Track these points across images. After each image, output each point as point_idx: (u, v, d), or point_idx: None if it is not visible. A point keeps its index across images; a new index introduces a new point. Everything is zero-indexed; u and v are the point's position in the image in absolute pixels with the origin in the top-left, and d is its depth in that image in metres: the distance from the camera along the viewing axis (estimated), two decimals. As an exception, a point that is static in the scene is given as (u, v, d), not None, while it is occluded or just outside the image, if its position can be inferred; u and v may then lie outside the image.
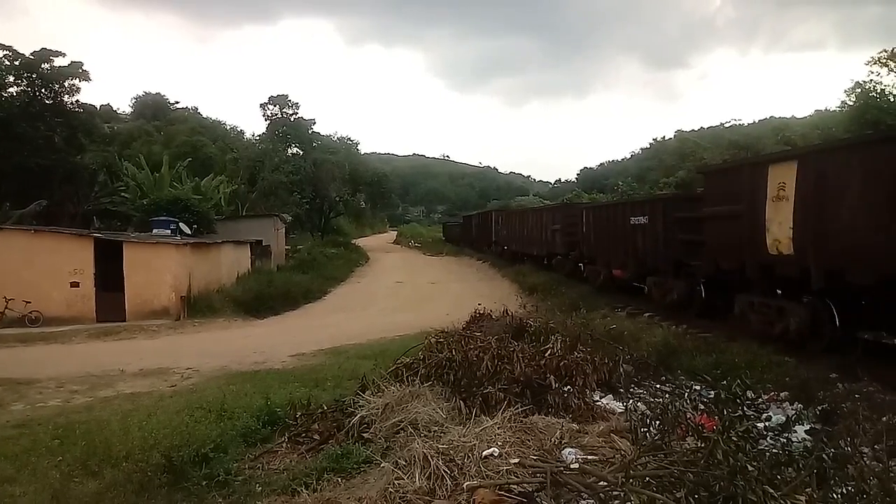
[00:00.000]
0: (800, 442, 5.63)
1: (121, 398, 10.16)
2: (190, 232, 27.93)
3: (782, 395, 8.22)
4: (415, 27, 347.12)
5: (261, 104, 55.01)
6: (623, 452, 4.71)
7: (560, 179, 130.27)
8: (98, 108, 46.28)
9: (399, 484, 4.58)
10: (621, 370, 8.05)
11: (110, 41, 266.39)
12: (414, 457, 4.81)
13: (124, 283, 20.65)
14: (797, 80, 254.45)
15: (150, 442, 6.55)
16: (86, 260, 20.55)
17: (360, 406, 6.51)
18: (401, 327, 16.18)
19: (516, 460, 4.69)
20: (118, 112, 66.99)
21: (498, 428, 5.27)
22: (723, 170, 13.81)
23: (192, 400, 9.07)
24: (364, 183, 57.57)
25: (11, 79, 31.99)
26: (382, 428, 5.91)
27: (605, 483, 4.09)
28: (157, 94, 73.84)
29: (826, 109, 47.27)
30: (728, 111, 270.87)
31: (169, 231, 26.02)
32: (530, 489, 4.29)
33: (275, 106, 54.56)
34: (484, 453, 4.78)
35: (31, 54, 31.90)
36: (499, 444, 4.95)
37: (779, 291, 11.14)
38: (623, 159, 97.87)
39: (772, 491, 3.52)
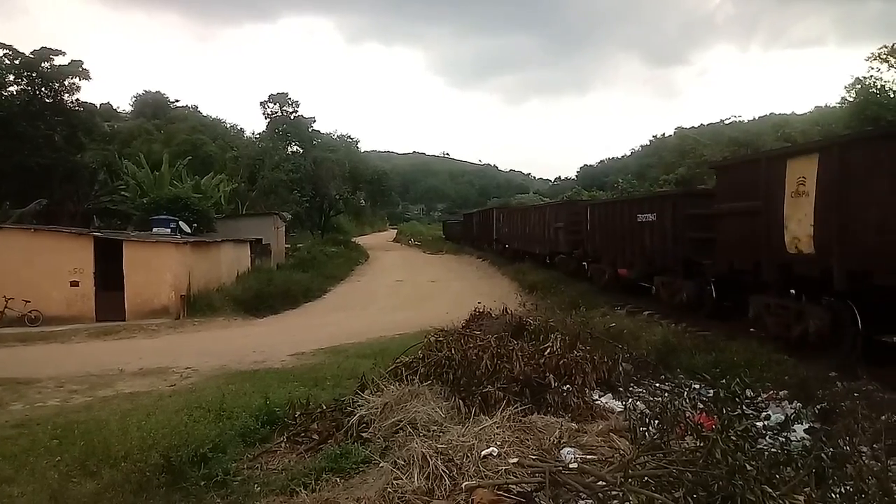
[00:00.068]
0: (798, 441, 5.62)
1: (120, 398, 10.16)
2: (190, 231, 27.93)
3: (781, 393, 8.22)
4: (414, 25, 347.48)
5: (261, 102, 55.25)
6: (622, 452, 4.71)
7: (560, 177, 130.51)
8: (98, 106, 46.30)
9: (398, 484, 4.57)
10: (620, 369, 8.03)
11: (110, 40, 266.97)
12: (413, 456, 4.80)
13: (124, 282, 20.65)
14: (797, 77, 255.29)
15: (149, 442, 6.54)
16: (85, 259, 20.54)
17: (359, 405, 6.50)
18: (400, 326, 16.17)
19: (515, 460, 4.69)
20: (118, 111, 66.95)
21: (497, 427, 5.26)
22: (737, 164, 13.12)
23: (191, 399, 9.07)
24: (364, 181, 57.64)
25: (11, 77, 31.99)
26: (381, 427, 5.91)
27: (604, 483, 4.09)
28: (157, 92, 73.91)
29: (826, 106, 47.25)
30: (728, 108, 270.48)
31: (169, 230, 26.04)
32: (529, 489, 4.29)
33: (275, 104, 54.63)
34: (483, 453, 4.78)
35: (31, 53, 31.91)
36: (498, 443, 4.95)
37: (792, 292, 10.66)
38: (623, 156, 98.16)
39: (770, 490, 3.51)
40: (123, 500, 5.56)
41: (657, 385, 8.48)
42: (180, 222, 27.65)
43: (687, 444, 4.38)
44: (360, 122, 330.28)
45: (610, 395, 7.34)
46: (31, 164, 29.87)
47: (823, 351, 9.57)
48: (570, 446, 4.96)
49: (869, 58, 30.69)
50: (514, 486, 4.31)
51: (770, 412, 7.42)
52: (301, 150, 53.10)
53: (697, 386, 7.76)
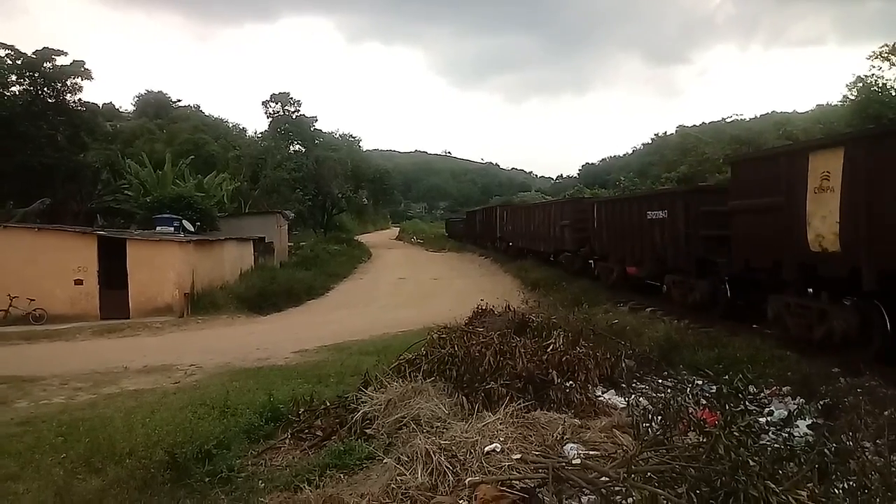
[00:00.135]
0: (801, 437, 5.62)
1: (124, 395, 10.20)
2: (193, 229, 27.99)
3: (784, 389, 8.22)
4: (415, 25, 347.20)
5: (262, 102, 55.33)
6: (625, 448, 4.72)
7: (562, 175, 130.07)
8: (100, 106, 46.10)
9: (401, 480, 4.59)
10: (623, 365, 8.03)
11: (112, 40, 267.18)
12: (416, 453, 4.82)
13: (128, 280, 20.71)
14: (798, 76, 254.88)
15: (154, 439, 6.57)
16: (89, 258, 20.61)
17: (362, 402, 6.52)
18: (403, 323, 16.19)
19: (518, 456, 4.70)
20: (120, 110, 66.85)
21: (500, 423, 5.27)
22: (754, 159, 12.56)
23: (195, 396, 9.10)
24: (366, 180, 57.71)
25: (14, 78, 31.98)
26: (385, 424, 5.92)
27: (607, 478, 4.10)
28: (160, 92, 73.79)
29: (827, 104, 46.94)
30: (729, 106, 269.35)
31: (172, 228, 26.09)
32: (532, 485, 4.30)
33: (276, 103, 54.66)
34: (486, 449, 4.79)
35: (34, 53, 31.89)
36: (501, 439, 4.96)
37: (810, 290, 10.21)
38: (625, 155, 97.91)
39: (773, 486, 3.52)
40: (128, 496, 5.58)
41: (660, 381, 8.48)
42: (183, 221, 27.70)
43: (690, 439, 4.38)
44: (362, 121, 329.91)
45: (613, 391, 7.35)
46: (33, 164, 29.89)
47: (848, 352, 9.11)
48: (574, 442, 4.97)
49: (870, 56, 30.59)
50: (517, 482, 4.32)
51: (773, 408, 7.43)
52: (303, 149, 53.17)
53: (700, 382, 7.76)
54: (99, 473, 6.13)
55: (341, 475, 5.19)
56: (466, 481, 4.40)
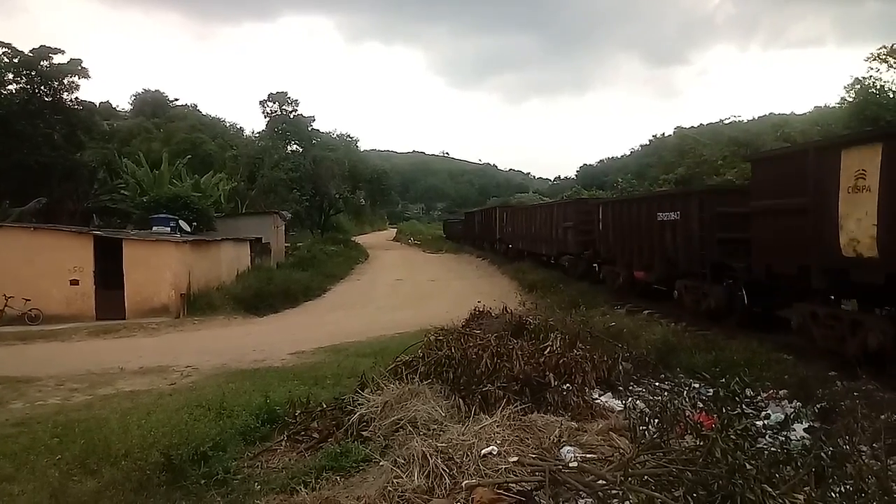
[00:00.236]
0: (798, 440, 5.63)
1: (120, 396, 10.17)
2: (189, 229, 27.93)
3: (781, 393, 8.22)
4: (414, 25, 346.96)
5: (260, 101, 55.27)
6: (622, 451, 4.71)
7: (560, 176, 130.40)
8: (97, 105, 45.90)
9: (398, 482, 4.58)
10: (620, 368, 8.03)
11: (109, 38, 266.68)
12: (413, 455, 4.81)
13: (124, 280, 20.64)
14: (796, 77, 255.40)
15: (150, 440, 6.57)
16: (85, 258, 20.54)
17: (359, 404, 6.51)
18: (400, 325, 16.18)
19: (515, 459, 4.69)
20: (117, 109, 66.62)
21: (497, 426, 5.27)
22: (777, 157, 11.77)
23: (191, 398, 9.08)
24: (364, 180, 57.68)
25: (10, 76, 31.89)
26: (381, 426, 5.92)
27: (604, 482, 4.09)
28: (157, 91, 73.62)
29: (826, 106, 47.10)
30: (728, 107, 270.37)
31: (168, 228, 26.03)
32: (529, 488, 4.29)
33: (274, 103, 54.64)
34: (483, 452, 4.78)
35: (31, 52, 31.81)
36: (497, 442, 4.96)
37: (831, 298, 9.61)
38: (623, 156, 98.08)
39: (770, 489, 3.52)
40: (124, 498, 5.57)
41: (657, 384, 8.48)
42: (180, 221, 27.64)
43: (687, 443, 4.39)
44: (360, 121, 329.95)
45: (610, 394, 7.34)
46: (30, 163, 29.81)
47: (884, 368, 8.47)
48: (570, 445, 4.96)
49: (868, 58, 30.70)
50: (514, 485, 4.32)
51: (770, 411, 7.44)
52: (301, 149, 53.13)
53: (697, 385, 7.77)
54: (94, 475, 6.12)
55: (337, 477, 5.18)
56: (463, 484, 4.39)
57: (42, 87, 32.18)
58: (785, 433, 5.96)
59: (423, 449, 4.82)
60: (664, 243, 15.40)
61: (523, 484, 4.33)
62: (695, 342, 10.93)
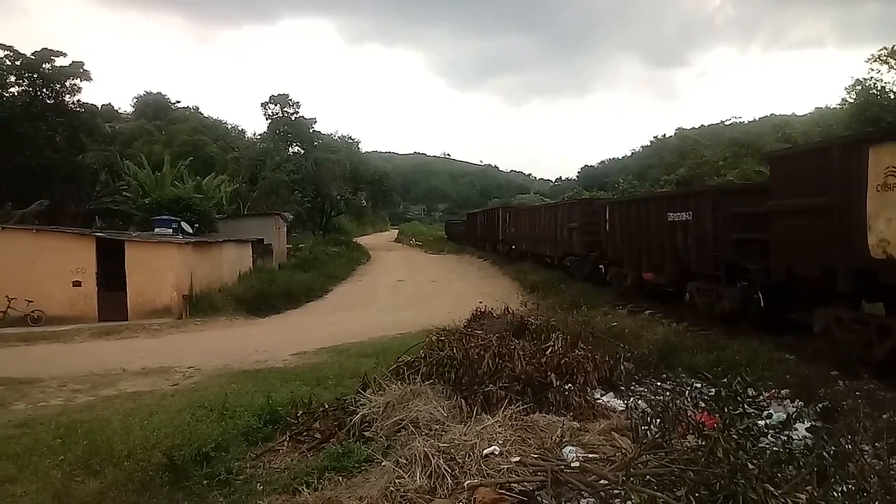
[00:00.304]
0: (800, 440, 5.63)
1: (123, 397, 10.18)
2: (192, 231, 27.97)
3: (783, 392, 8.22)
4: (414, 26, 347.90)
5: (262, 103, 55.35)
6: (624, 450, 4.71)
7: (561, 177, 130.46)
8: (99, 107, 46.22)
9: (400, 482, 4.59)
10: (622, 368, 8.03)
11: (111, 41, 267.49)
12: (415, 455, 4.81)
13: (126, 282, 20.68)
14: (797, 78, 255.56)
15: (152, 441, 6.56)
16: (88, 259, 20.58)
17: (361, 404, 6.51)
18: (402, 325, 16.18)
19: (517, 459, 4.70)
20: (119, 112, 66.92)
21: (499, 426, 5.28)
22: (799, 154, 11.36)
23: (193, 399, 9.08)
24: (365, 181, 57.75)
25: (13, 79, 31.97)
26: (384, 426, 5.92)
27: (606, 481, 4.10)
28: (158, 93, 73.88)
29: (826, 107, 47.14)
30: (728, 109, 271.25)
31: (171, 230, 26.06)
32: (531, 488, 4.30)
33: (276, 105, 54.72)
34: (485, 452, 4.79)
35: (33, 54, 31.89)
36: (499, 442, 4.96)
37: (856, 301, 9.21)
38: (624, 157, 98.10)
39: (772, 489, 3.52)
40: (126, 499, 5.57)
41: (659, 384, 8.48)
42: (182, 223, 27.68)
43: (689, 442, 4.39)
44: (361, 122, 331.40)
45: (612, 393, 7.35)
46: (32, 165, 29.88)
47: None
48: (572, 445, 4.97)
49: (869, 59, 30.66)
50: (516, 485, 4.32)
51: (772, 411, 7.42)
52: (302, 151, 53.22)
53: (699, 385, 7.77)
54: (97, 476, 6.12)
55: (340, 478, 5.18)
56: (465, 484, 4.40)
57: (44, 90, 32.28)
58: (787, 433, 5.94)
59: (426, 449, 4.83)
60: (675, 244, 14.94)
61: (525, 484, 4.34)
62: (696, 342, 10.94)
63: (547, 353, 7.01)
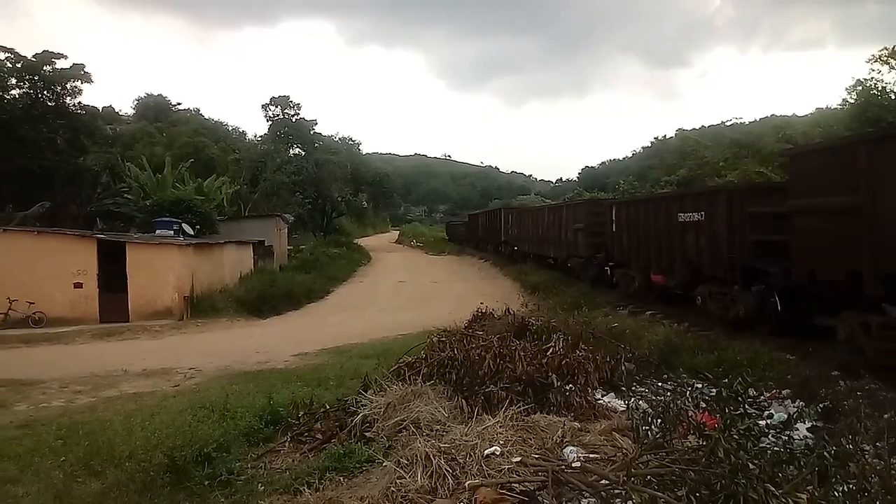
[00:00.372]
0: (801, 440, 5.62)
1: (124, 398, 10.19)
2: (193, 232, 27.99)
3: (784, 392, 8.22)
4: (414, 28, 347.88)
5: (262, 105, 55.50)
6: (625, 451, 4.72)
7: (561, 178, 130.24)
8: (100, 109, 46.18)
9: (401, 483, 4.60)
10: (623, 368, 8.03)
11: (112, 43, 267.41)
12: (416, 456, 4.82)
13: (127, 283, 20.69)
14: (797, 79, 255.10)
15: (153, 442, 6.58)
16: (89, 261, 20.61)
17: (362, 405, 6.52)
18: (403, 326, 16.19)
19: (518, 459, 4.70)
20: (120, 114, 66.81)
21: (500, 427, 5.28)
22: (822, 150, 10.80)
23: (194, 400, 9.10)
24: (366, 183, 57.84)
25: (14, 81, 32.01)
26: (385, 427, 5.92)
27: (607, 482, 4.10)
28: (159, 95, 73.72)
29: (827, 107, 46.97)
30: (729, 109, 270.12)
31: (172, 232, 26.08)
32: (532, 488, 4.30)
33: (276, 107, 54.81)
34: (486, 452, 4.80)
35: (33, 56, 31.93)
36: (500, 442, 4.97)
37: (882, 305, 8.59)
38: (624, 158, 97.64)
39: (773, 489, 3.53)
40: (128, 499, 5.58)
41: (659, 384, 8.49)
42: (183, 224, 27.71)
43: (689, 443, 4.39)
44: (362, 124, 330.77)
45: (612, 394, 7.35)
46: (33, 167, 29.93)
47: None
48: (573, 445, 4.97)
49: (869, 60, 30.60)
50: (517, 485, 4.33)
51: (772, 411, 7.41)
52: (303, 153, 53.29)
53: (700, 385, 7.77)
54: (98, 476, 6.13)
55: (341, 478, 5.19)
56: (466, 484, 4.41)
57: (45, 92, 32.32)
58: (788, 433, 5.94)
59: (427, 449, 4.83)
60: (686, 246, 14.39)
61: (526, 484, 4.34)
62: (697, 342, 10.94)
63: (548, 353, 7.02)
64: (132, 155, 41.64)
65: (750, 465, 3.67)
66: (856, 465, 3.77)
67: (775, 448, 4.38)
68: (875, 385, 7.78)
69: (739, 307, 12.37)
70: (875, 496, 3.52)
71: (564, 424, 5.45)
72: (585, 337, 8.42)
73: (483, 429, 5.22)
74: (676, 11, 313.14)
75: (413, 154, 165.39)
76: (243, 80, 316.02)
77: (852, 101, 31.41)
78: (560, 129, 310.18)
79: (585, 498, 4.18)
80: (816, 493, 3.63)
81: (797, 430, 6.37)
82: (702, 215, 13.67)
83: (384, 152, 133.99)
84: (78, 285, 20.46)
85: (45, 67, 31.90)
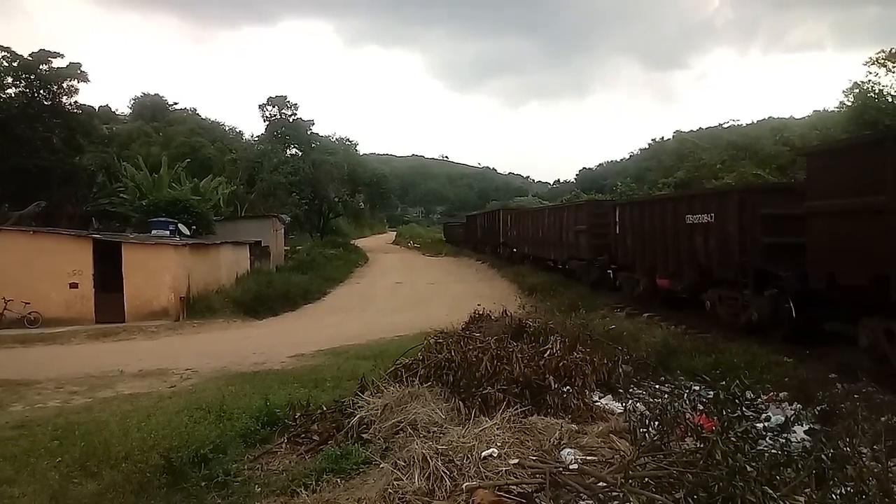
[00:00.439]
0: (799, 442, 5.63)
1: (120, 399, 10.16)
2: (189, 233, 27.92)
3: (781, 395, 8.24)
4: (413, 28, 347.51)
5: (259, 105, 55.40)
6: (622, 453, 4.72)
7: (559, 180, 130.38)
8: (97, 109, 46.04)
9: (398, 485, 4.58)
10: (620, 370, 8.05)
11: (109, 42, 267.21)
12: (413, 457, 4.81)
13: (123, 283, 20.65)
14: (795, 81, 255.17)
15: (150, 443, 6.56)
16: (85, 261, 20.56)
17: (359, 407, 6.51)
18: (400, 328, 16.18)
19: (515, 461, 4.70)
20: (117, 113, 66.67)
21: (497, 428, 5.27)
22: (843, 148, 10.33)
23: (191, 401, 9.08)
24: (363, 183, 57.82)
25: (10, 80, 31.89)
26: (381, 428, 5.92)
27: (604, 484, 4.10)
28: (156, 95, 73.49)
29: (824, 110, 47.13)
30: (727, 112, 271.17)
31: (168, 232, 26.01)
32: (529, 490, 4.30)
33: (273, 107, 54.75)
34: (483, 454, 4.79)
35: (30, 55, 31.82)
36: (498, 444, 4.96)
37: None
38: (622, 160, 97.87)
39: (771, 491, 3.53)
40: (124, 500, 5.57)
41: (657, 386, 8.50)
42: (179, 224, 27.64)
43: (687, 445, 4.39)
44: (359, 124, 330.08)
45: (610, 396, 7.36)
46: (29, 167, 29.81)
47: None
48: (571, 447, 4.97)
49: (867, 62, 30.71)
50: (514, 487, 4.32)
51: (770, 414, 7.44)
52: (300, 153, 53.21)
53: (697, 387, 7.74)
54: (94, 477, 6.11)
55: (338, 480, 5.18)
56: (463, 486, 4.40)
57: (41, 91, 32.21)
58: (785, 435, 5.95)
59: (424, 451, 4.82)
60: (694, 248, 13.91)
61: (524, 486, 4.34)
62: (695, 345, 10.95)
63: (545, 355, 7.02)
64: (128, 154, 41.53)
65: (747, 467, 3.67)
66: (853, 468, 3.77)
67: (773, 451, 4.38)
68: (872, 388, 7.81)
69: (752, 312, 11.98)
70: (872, 499, 3.52)
71: (562, 426, 5.45)
72: (583, 339, 8.43)
73: (480, 430, 5.22)
74: (676, 13, 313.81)
75: (410, 155, 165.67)
76: (240, 79, 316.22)
77: (850, 103, 31.51)
78: (558, 131, 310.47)
79: (583, 500, 4.17)
80: (814, 496, 3.63)
81: (795, 432, 6.40)
82: (711, 217, 13.28)
83: (381, 153, 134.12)
84: (74, 285, 20.42)
85: (41, 66, 31.80)
